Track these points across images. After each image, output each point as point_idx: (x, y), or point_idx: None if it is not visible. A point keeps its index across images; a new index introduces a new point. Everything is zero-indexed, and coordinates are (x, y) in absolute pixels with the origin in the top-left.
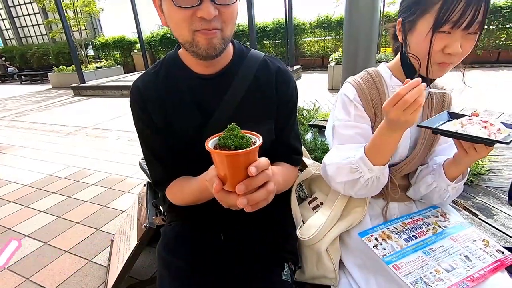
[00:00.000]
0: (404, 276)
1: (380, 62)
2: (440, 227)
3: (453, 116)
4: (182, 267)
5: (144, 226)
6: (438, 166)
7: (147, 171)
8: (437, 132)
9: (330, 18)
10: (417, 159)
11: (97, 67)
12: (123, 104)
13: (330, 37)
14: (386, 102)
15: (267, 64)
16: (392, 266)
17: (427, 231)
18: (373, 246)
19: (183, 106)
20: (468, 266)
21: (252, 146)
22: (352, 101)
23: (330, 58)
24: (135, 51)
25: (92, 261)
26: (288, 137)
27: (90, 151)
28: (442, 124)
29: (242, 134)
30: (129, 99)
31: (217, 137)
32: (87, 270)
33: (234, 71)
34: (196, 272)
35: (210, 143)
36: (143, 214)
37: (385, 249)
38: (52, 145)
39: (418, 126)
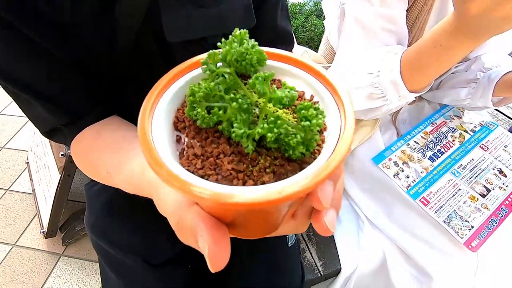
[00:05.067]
0: (436, 212)
1: None
2: (467, 132)
3: None
4: (129, 265)
5: (62, 154)
6: (487, 82)
7: None
8: None
9: None
10: None
11: None
12: None
13: None
14: None
15: None
16: (420, 200)
17: (453, 140)
18: (394, 176)
19: None
20: (503, 184)
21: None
22: None
23: None
24: None
25: (11, 190)
26: (274, 16)
27: None
28: None
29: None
30: None
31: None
32: (8, 203)
33: None
34: (151, 269)
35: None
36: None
37: (408, 177)
38: None
39: None
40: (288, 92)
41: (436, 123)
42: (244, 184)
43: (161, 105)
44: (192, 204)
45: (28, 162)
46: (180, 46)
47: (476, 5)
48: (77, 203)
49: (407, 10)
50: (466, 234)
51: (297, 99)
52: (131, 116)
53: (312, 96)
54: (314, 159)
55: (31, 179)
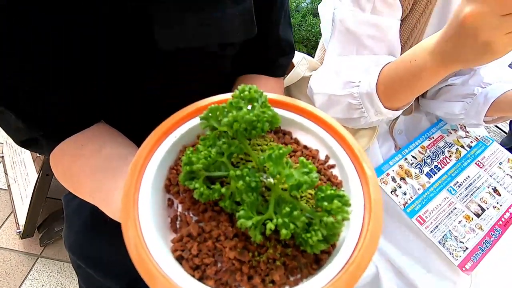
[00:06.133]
0: (431, 232)
1: None
2: (463, 147)
3: None
4: None
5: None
6: (483, 100)
7: None
8: None
9: None
10: None
11: None
12: None
13: None
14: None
15: None
16: (416, 219)
17: (450, 156)
18: (391, 192)
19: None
20: (497, 203)
21: None
22: None
23: None
24: None
25: None
26: (277, 25)
27: None
28: None
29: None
30: None
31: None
32: None
33: None
34: None
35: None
36: None
37: (405, 194)
38: None
39: None
40: (308, 176)
41: (433, 137)
42: (249, 280)
43: (151, 167)
44: None
45: (3, 156)
46: (173, 54)
47: (473, 16)
48: (57, 201)
49: (402, 20)
50: (460, 256)
51: (310, 161)
52: (122, 122)
53: (327, 157)
54: (332, 246)
55: (5, 173)
